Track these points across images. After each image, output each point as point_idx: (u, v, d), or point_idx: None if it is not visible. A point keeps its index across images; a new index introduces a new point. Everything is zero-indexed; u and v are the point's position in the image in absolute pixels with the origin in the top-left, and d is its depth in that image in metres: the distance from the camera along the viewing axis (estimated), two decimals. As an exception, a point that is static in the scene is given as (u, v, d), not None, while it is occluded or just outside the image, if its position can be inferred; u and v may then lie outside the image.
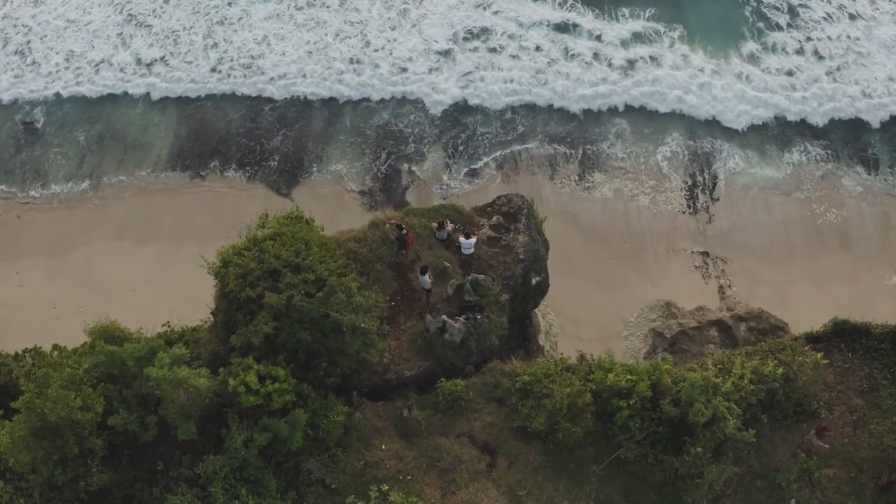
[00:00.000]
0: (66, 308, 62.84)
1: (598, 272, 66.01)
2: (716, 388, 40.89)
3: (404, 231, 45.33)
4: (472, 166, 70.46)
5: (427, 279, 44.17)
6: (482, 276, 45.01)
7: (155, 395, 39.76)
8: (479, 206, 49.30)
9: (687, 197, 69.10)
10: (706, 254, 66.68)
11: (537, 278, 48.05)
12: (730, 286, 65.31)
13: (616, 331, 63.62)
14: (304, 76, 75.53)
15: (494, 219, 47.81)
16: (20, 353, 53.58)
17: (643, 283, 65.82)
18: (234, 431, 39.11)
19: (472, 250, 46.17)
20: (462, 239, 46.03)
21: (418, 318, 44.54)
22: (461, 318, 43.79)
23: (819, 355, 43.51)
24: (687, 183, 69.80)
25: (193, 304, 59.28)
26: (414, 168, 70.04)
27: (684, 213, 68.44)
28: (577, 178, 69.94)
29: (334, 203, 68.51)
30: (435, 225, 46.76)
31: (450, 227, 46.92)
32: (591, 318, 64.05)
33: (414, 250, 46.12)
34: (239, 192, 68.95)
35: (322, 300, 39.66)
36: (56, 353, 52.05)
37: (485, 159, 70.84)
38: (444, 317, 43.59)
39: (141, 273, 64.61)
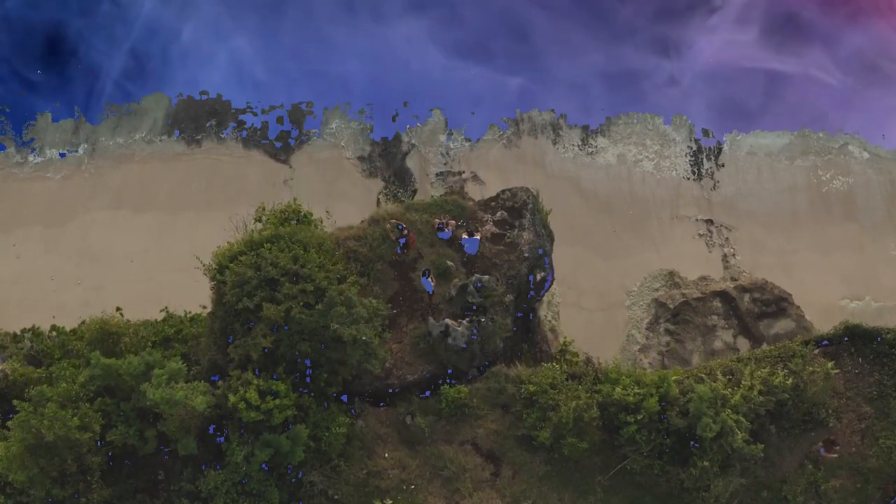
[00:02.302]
0: (63, 280, 62.24)
1: (600, 240, 65.35)
2: (724, 399, 40.48)
3: (405, 231, 44.40)
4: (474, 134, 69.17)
5: (430, 282, 43.46)
6: (486, 276, 44.25)
7: (153, 410, 39.29)
8: (483, 200, 48.27)
9: (691, 162, 68.00)
10: (710, 221, 65.96)
11: (542, 274, 47.29)
12: (734, 255, 64.72)
13: (618, 300, 63.30)
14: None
15: (498, 214, 46.82)
16: (18, 333, 53.17)
17: (646, 250, 65.21)
18: (235, 447, 38.79)
19: (476, 249, 45.28)
20: (465, 237, 45.12)
21: (420, 319, 43.91)
22: (465, 321, 43.15)
23: (830, 364, 43.03)
24: (692, 148, 68.60)
25: (191, 276, 58.80)
26: (413, 132, 68.63)
27: (689, 179, 67.46)
28: (580, 143, 68.67)
29: (333, 169, 67.36)
30: (437, 222, 45.82)
31: (453, 223, 45.99)
32: (594, 287, 63.58)
33: (416, 248, 45.22)
34: (236, 159, 67.54)
35: (322, 312, 39.01)
36: (54, 333, 51.80)
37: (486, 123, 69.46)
38: (448, 321, 42.94)
39: (138, 242, 63.74)
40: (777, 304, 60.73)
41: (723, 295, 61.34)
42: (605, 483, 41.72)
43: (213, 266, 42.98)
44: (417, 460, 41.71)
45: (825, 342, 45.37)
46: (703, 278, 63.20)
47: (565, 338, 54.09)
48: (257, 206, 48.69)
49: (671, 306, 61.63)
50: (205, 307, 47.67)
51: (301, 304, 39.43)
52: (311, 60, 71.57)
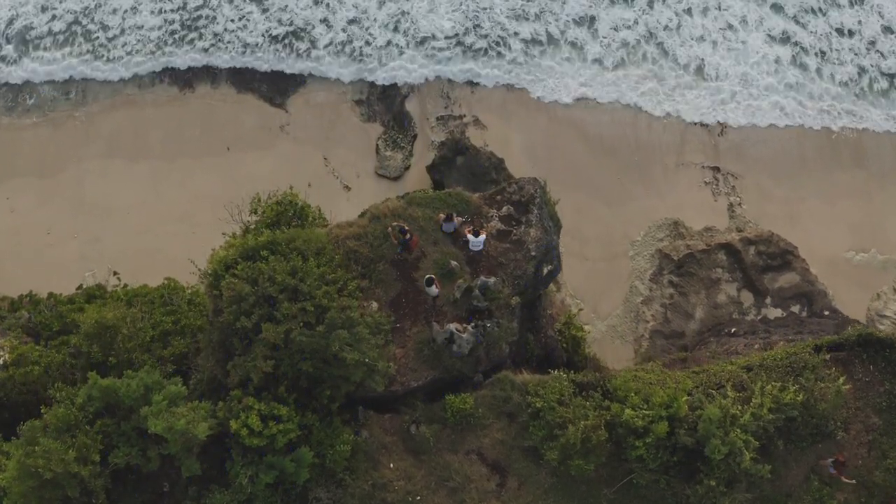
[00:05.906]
0: (60, 233, 61.42)
1: (604, 186, 64.35)
2: (734, 419, 39.93)
3: (407, 235, 43.14)
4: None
5: (434, 289, 42.38)
6: (492, 279, 43.02)
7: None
8: (488, 193, 46.56)
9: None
10: (717, 169, 64.84)
11: (549, 268, 46.13)
12: (740, 204, 63.84)
13: (622, 250, 62.80)
14: None
15: (504, 209, 45.33)
16: (16, 299, 52.74)
17: (651, 198, 64.33)
18: (239, 470, 38.40)
19: (482, 248, 44.06)
20: (470, 236, 43.73)
21: (424, 323, 42.90)
22: (470, 327, 42.20)
23: (841, 380, 42.30)
24: (700, 91, 67.10)
25: (188, 226, 58.17)
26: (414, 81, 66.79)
27: (695, 123, 65.91)
28: (585, 86, 67.05)
29: (330, 114, 65.62)
30: (442, 216, 44.48)
31: (457, 220, 44.68)
32: (597, 236, 62.88)
33: (419, 248, 44.04)
34: (230, 104, 65.63)
35: (323, 334, 38.05)
36: (52, 300, 51.31)
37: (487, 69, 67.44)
38: (452, 327, 42.02)
39: (134, 192, 62.52)
40: (782, 257, 60.29)
41: (728, 247, 60.88)
42: (611, 496, 41.57)
43: (209, 273, 41.79)
44: (423, 471, 41.41)
45: (837, 348, 44.53)
46: (709, 229, 62.61)
47: (572, 297, 53.55)
48: (253, 188, 48.00)
49: (675, 258, 61.14)
50: (203, 281, 46.66)
51: (301, 323, 38.40)
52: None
